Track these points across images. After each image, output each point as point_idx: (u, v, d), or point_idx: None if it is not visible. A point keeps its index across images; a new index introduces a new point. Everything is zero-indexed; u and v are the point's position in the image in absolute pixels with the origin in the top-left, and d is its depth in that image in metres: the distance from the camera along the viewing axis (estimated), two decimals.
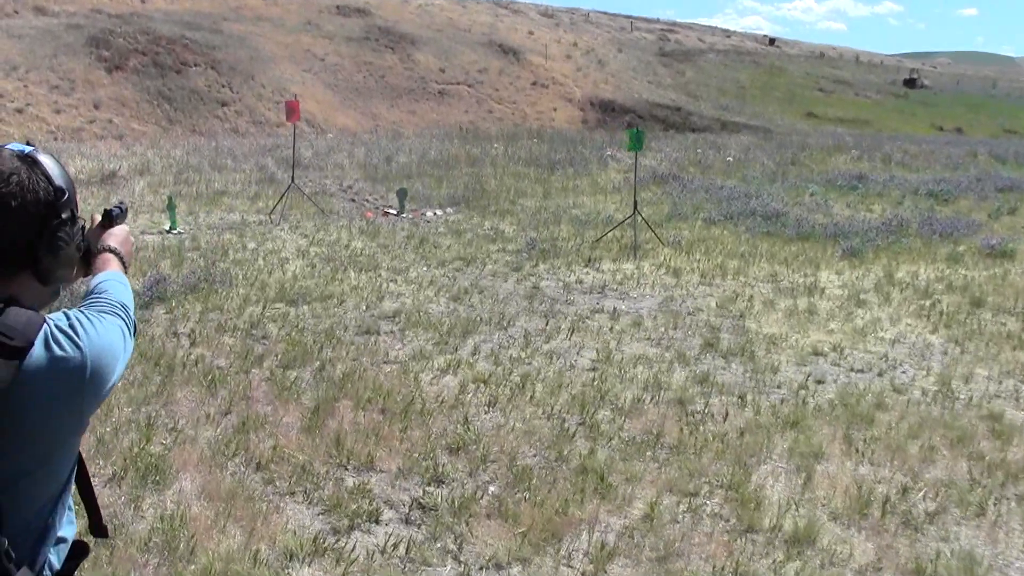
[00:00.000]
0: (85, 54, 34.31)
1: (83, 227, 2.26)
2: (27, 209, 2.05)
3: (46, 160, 2.14)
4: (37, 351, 2.00)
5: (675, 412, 7.79)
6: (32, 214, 2.06)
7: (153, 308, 10.17)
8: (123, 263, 2.58)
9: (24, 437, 2.01)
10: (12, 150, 2.13)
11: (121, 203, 2.78)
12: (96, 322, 2.13)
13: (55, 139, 27.41)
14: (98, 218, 2.69)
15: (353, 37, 48.00)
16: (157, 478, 6.10)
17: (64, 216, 2.13)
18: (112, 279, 2.41)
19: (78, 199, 2.26)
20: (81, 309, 2.18)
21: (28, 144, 2.20)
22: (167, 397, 7.50)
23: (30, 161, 2.10)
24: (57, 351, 2.02)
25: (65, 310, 2.14)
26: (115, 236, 2.64)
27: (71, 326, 2.08)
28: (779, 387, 8.56)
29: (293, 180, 17.81)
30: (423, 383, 8.14)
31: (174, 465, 6.30)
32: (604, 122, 47.68)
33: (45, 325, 2.04)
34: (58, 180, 2.13)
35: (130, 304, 2.37)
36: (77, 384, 2.04)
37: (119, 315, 2.25)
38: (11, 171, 2.06)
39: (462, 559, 5.48)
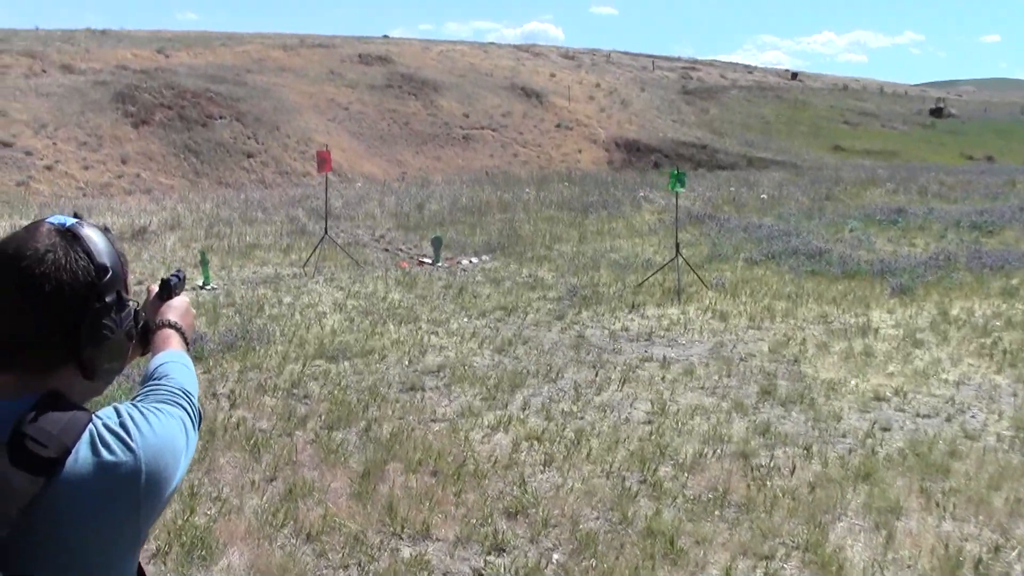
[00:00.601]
0: (112, 110, 34.37)
1: (135, 311, 1.94)
2: (64, 292, 1.75)
3: (90, 234, 1.83)
4: (82, 455, 1.69)
5: (739, 466, 7.43)
6: (70, 298, 1.76)
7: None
8: (185, 339, 2.29)
9: (67, 558, 1.69)
10: (52, 224, 1.82)
11: (178, 271, 2.48)
12: (152, 417, 1.83)
13: (84, 195, 27.36)
14: (155, 289, 2.39)
15: (376, 85, 48.00)
16: (203, 553, 5.78)
17: (108, 300, 1.82)
18: (173, 361, 2.11)
19: (128, 277, 1.96)
20: (135, 403, 1.87)
21: (75, 216, 1.89)
22: (209, 463, 7.20)
23: (70, 236, 1.80)
24: (105, 455, 1.71)
25: (116, 404, 1.83)
26: (174, 309, 2.34)
27: (122, 424, 1.77)
28: (844, 436, 8.19)
29: (327, 231, 17.57)
30: (474, 442, 7.81)
31: (220, 538, 5.98)
32: (630, 162, 47.43)
33: (91, 425, 1.73)
34: (101, 257, 1.82)
35: (194, 389, 2.08)
36: (130, 493, 1.73)
37: (181, 404, 1.96)
38: (46, 248, 1.77)
39: None
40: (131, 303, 1.93)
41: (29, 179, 27.82)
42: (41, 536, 1.65)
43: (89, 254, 1.80)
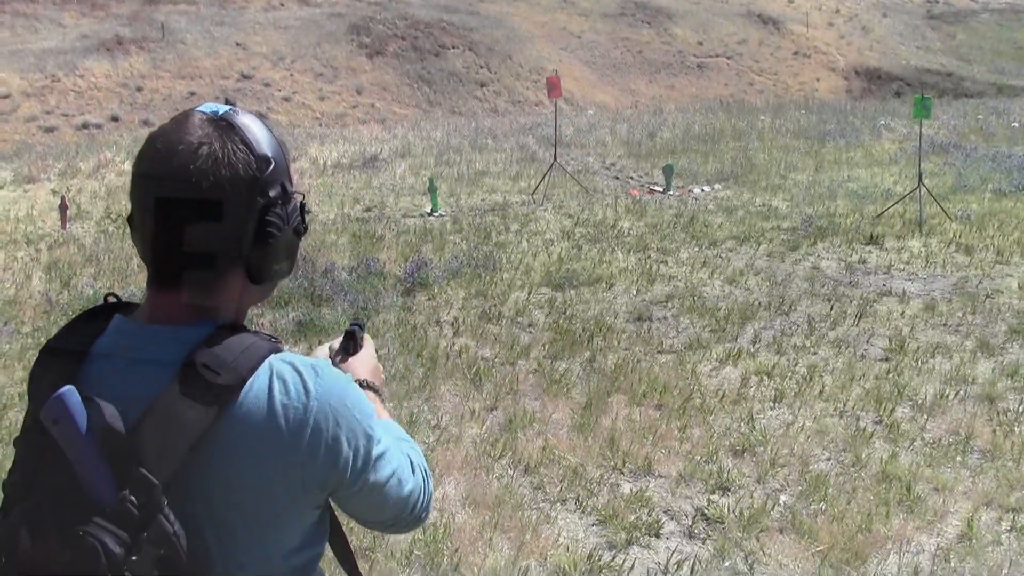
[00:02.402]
0: (347, 41, 35.15)
1: (302, 204, 1.72)
2: (224, 188, 1.55)
3: (246, 122, 1.62)
4: (257, 387, 1.51)
5: (984, 410, 6.90)
6: (232, 194, 1.56)
7: (415, 295, 9.93)
8: (382, 399, 2.03)
9: (230, 501, 1.53)
10: (204, 113, 1.61)
11: (358, 320, 2.23)
12: (353, 392, 1.65)
13: (320, 124, 28.10)
14: (330, 346, 2.11)
15: (609, 13, 47.54)
16: None
17: (273, 194, 1.61)
18: (388, 432, 1.82)
19: (291, 167, 1.72)
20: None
21: (228, 103, 1.67)
22: (430, 391, 7.17)
23: (225, 126, 1.59)
24: (278, 392, 1.53)
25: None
26: (364, 364, 2.07)
27: (312, 367, 1.59)
28: None
29: (555, 158, 17.42)
30: (701, 375, 7.52)
31: (438, 467, 5.91)
32: (870, 91, 45.62)
33: (272, 357, 1.55)
34: (262, 147, 1.61)
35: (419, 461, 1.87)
36: (294, 442, 1.54)
37: (409, 458, 1.80)
38: (200, 140, 1.56)
39: None
40: (296, 196, 1.70)
41: (268, 110, 28.79)
42: (207, 474, 1.50)
43: (248, 144, 1.59)
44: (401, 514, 1.79)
